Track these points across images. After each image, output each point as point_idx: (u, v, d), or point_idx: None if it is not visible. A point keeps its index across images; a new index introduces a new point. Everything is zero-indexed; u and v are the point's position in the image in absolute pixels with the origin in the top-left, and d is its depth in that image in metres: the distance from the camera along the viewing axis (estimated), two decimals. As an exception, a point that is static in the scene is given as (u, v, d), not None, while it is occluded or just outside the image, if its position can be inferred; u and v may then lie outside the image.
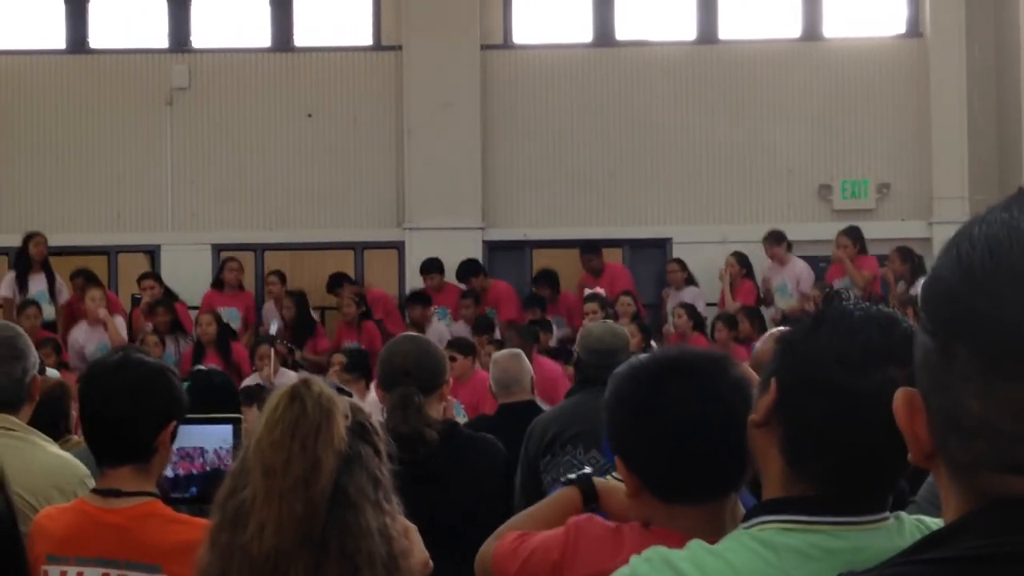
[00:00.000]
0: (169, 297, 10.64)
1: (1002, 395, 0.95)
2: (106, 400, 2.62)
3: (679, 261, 11.26)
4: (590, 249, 11.25)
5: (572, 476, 2.27)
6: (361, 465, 1.77)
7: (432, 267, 11.24)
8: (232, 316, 10.59)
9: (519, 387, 6.09)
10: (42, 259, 10.77)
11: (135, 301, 10.75)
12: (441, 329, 10.57)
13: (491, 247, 11.87)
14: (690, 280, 11.09)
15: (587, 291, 10.41)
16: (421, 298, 10.90)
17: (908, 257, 10.48)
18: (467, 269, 11.29)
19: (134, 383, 2.62)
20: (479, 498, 3.79)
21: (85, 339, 10.14)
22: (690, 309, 10.37)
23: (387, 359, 3.82)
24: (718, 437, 1.76)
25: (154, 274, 11.08)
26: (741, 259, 10.99)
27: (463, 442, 3.82)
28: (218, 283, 11.17)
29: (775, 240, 10.99)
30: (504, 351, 6.91)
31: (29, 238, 10.82)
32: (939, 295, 1.00)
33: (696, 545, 1.60)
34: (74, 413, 4.62)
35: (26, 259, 10.78)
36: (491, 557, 2.15)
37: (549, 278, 11.20)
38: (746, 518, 1.63)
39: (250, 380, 9.04)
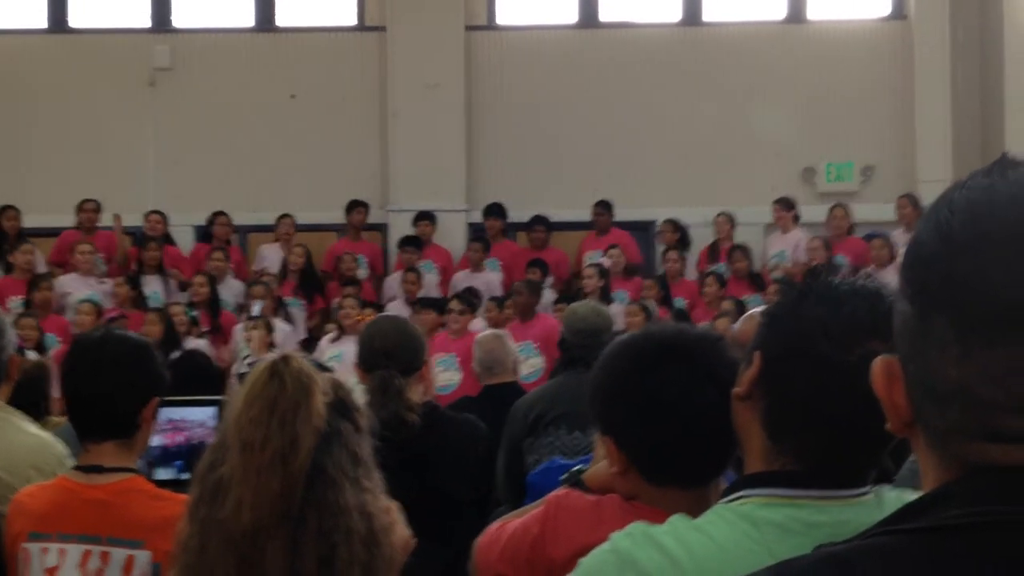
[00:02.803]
0: (166, 239, 10.81)
1: (979, 361, 0.94)
2: (88, 375, 2.62)
3: (671, 221, 11.33)
4: (603, 205, 11.44)
5: (563, 476, 2.21)
6: (340, 442, 1.76)
7: (424, 216, 11.46)
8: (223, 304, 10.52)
9: (502, 368, 6.09)
10: (15, 233, 10.71)
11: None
12: (431, 279, 10.83)
13: (475, 229, 11.85)
14: (683, 240, 11.26)
15: (588, 260, 10.53)
16: (414, 241, 11.14)
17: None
18: (491, 210, 11.51)
19: (116, 358, 2.62)
20: (460, 479, 3.79)
21: (74, 287, 10.04)
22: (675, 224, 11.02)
23: (367, 340, 3.80)
24: (714, 423, 1.71)
25: (161, 212, 11.13)
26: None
27: (444, 423, 3.81)
28: (207, 236, 11.28)
29: (786, 206, 11.18)
30: (488, 332, 6.91)
31: (1, 212, 10.78)
32: (917, 260, 0.99)
33: (677, 520, 1.59)
34: (54, 394, 4.60)
35: (1, 234, 10.74)
36: (475, 549, 2.14)
37: (543, 221, 11.43)
38: (727, 492, 1.62)
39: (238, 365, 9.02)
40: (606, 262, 10.56)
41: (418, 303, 9.83)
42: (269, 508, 1.68)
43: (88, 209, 10.82)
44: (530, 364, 8.81)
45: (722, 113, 12.09)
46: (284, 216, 11.34)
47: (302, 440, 1.70)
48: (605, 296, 9.56)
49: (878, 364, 1.04)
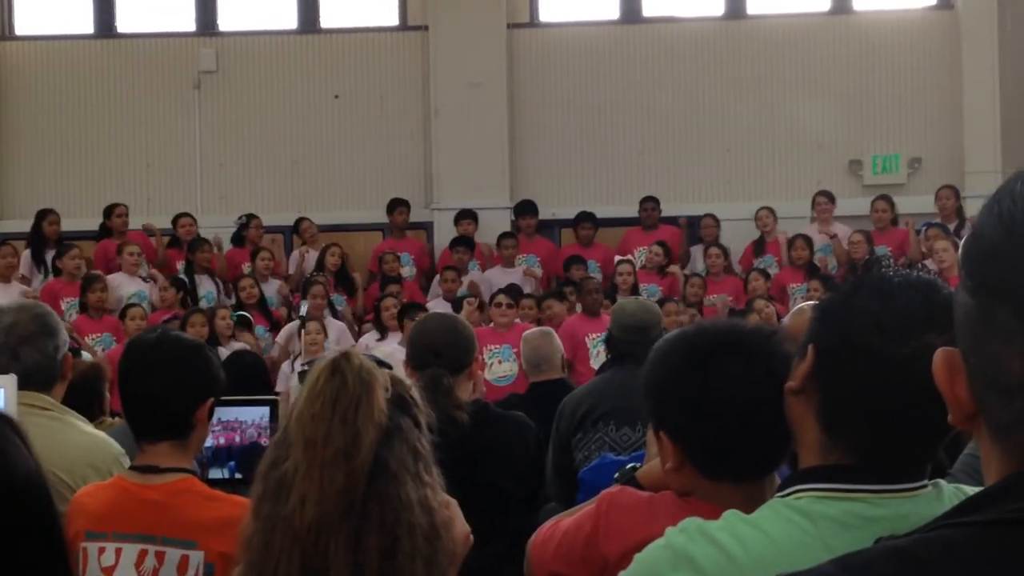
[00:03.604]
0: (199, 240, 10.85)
1: None
2: (144, 376, 2.64)
3: (712, 216, 11.33)
4: (651, 200, 11.43)
5: (617, 475, 2.22)
6: (401, 438, 1.78)
7: (466, 215, 11.48)
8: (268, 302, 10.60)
9: (549, 365, 6.07)
10: (56, 237, 10.84)
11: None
12: (476, 276, 10.89)
13: (519, 227, 11.83)
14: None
15: (618, 257, 10.55)
16: (465, 241, 11.15)
17: None
18: (524, 208, 11.47)
19: (172, 359, 2.64)
20: (510, 476, 3.78)
21: (124, 285, 10.14)
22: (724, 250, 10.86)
23: (416, 339, 3.79)
24: (771, 417, 1.69)
25: (191, 215, 11.21)
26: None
27: (493, 421, 3.80)
28: (239, 239, 11.34)
29: (830, 199, 11.15)
30: (535, 329, 6.90)
31: (43, 216, 10.90)
32: (980, 253, 0.98)
33: (732, 515, 1.59)
34: (108, 394, 4.66)
35: (40, 237, 10.86)
36: (529, 548, 2.14)
37: (591, 218, 11.41)
38: (782, 487, 1.62)
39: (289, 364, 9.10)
40: (640, 259, 10.62)
41: (461, 301, 9.83)
42: (332, 504, 1.70)
43: (121, 214, 10.95)
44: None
45: (766, 106, 12.01)
46: (302, 219, 11.37)
47: (364, 436, 1.71)
48: (634, 292, 9.60)
49: (939, 356, 1.03)
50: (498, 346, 8.83)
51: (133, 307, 9.30)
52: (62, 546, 1.77)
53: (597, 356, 8.75)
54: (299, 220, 11.40)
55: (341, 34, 12.49)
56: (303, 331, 9.18)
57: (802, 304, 4.00)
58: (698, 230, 11.49)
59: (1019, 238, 0.94)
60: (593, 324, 9.05)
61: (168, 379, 2.61)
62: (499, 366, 8.79)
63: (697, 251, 11.31)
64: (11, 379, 2.81)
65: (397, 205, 11.60)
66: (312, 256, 11.02)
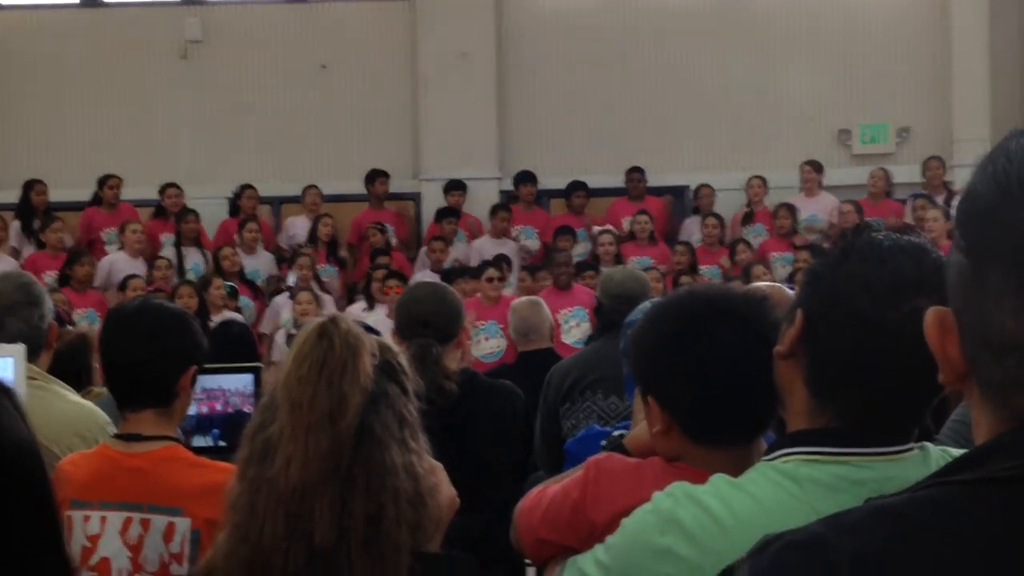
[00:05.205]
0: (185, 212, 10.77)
1: None
2: (126, 344, 2.63)
3: (710, 186, 11.39)
4: (637, 171, 11.44)
5: (603, 443, 2.21)
6: (387, 403, 1.78)
7: (455, 186, 11.47)
8: (255, 275, 10.56)
9: (538, 335, 6.07)
10: (44, 208, 10.76)
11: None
12: (460, 248, 10.89)
13: (509, 197, 11.83)
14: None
15: (596, 228, 10.61)
16: (451, 212, 11.14)
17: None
18: (524, 177, 11.48)
19: (154, 327, 2.63)
20: (498, 445, 3.79)
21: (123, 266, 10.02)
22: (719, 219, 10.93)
23: (404, 307, 3.79)
24: (760, 380, 1.69)
25: (177, 185, 11.13)
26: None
27: (481, 390, 3.81)
28: (235, 209, 11.31)
29: (817, 168, 11.15)
30: (523, 299, 6.90)
31: (30, 187, 10.83)
32: (974, 212, 0.97)
33: (719, 479, 1.59)
34: (96, 364, 4.64)
35: (29, 208, 10.79)
36: (516, 515, 2.14)
37: (583, 187, 11.42)
38: (769, 451, 1.62)
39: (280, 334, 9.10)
40: (625, 227, 10.63)
41: (453, 273, 9.80)
42: (318, 466, 1.70)
43: (113, 186, 10.87)
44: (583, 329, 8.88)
45: (755, 76, 11.99)
46: (310, 187, 11.37)
47: (350, 399, 1.71)
48: (617, 262, 9.59)
49: (931, 315, 1.02)
50: (483, 322, 8.76)
51: (134, 278, 9.26)
52: (55, 517, 1.76)
53: (569, 331, 8.76)
54: (307, 188, 11.34)
55: (328, 3, 12.41)
56: (294, 301, 9.18)
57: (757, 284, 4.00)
58: (691, 200, 11.48)
59: (1013, 197, 0.94)
60: (564, 298, 9.02)
61: (150, 346, 2.60)
62: (486, 343, 8.74)
63: (692, 222, 11.30)
64: (20, 348, 2.79)
65: (377, 175, 11.55)
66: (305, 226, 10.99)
